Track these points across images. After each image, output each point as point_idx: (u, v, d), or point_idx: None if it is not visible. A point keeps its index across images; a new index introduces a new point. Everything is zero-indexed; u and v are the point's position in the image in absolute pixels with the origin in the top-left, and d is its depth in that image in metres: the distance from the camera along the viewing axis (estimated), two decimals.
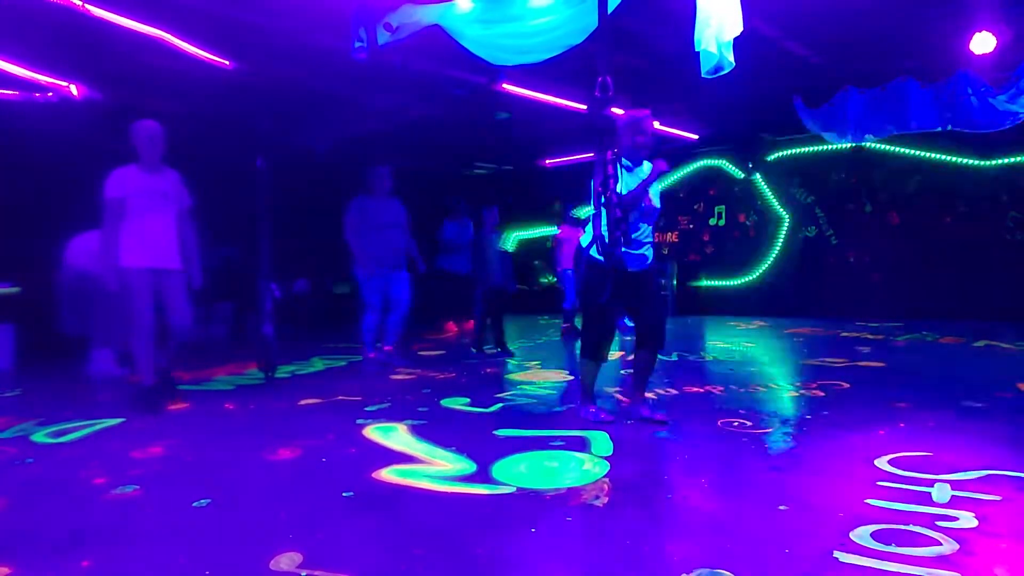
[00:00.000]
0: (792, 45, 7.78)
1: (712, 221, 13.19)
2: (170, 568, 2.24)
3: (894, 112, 8.58)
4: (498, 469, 3.25)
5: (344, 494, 2.92)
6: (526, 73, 7.68)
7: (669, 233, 13.46)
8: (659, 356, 4.44)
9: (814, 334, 9.17)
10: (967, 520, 2.47)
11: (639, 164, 4.14)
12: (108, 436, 4.11)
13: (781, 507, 2.66)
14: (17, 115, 7.96)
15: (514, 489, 2.96)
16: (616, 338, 4.41)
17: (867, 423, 4.00)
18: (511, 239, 14.53)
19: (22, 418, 4.55)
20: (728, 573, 2.09)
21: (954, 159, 10.60)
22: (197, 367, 6.37)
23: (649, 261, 4.16)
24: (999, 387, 5.07)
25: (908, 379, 5.61)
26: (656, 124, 4.19)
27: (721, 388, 5.31)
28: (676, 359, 6.93)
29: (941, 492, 2.77)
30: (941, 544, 2.27)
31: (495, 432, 4.01)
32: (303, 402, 5.04)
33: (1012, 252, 10.26)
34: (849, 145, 10.30)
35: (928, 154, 10.78)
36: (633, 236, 4.01)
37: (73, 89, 7.76)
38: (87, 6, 5.88)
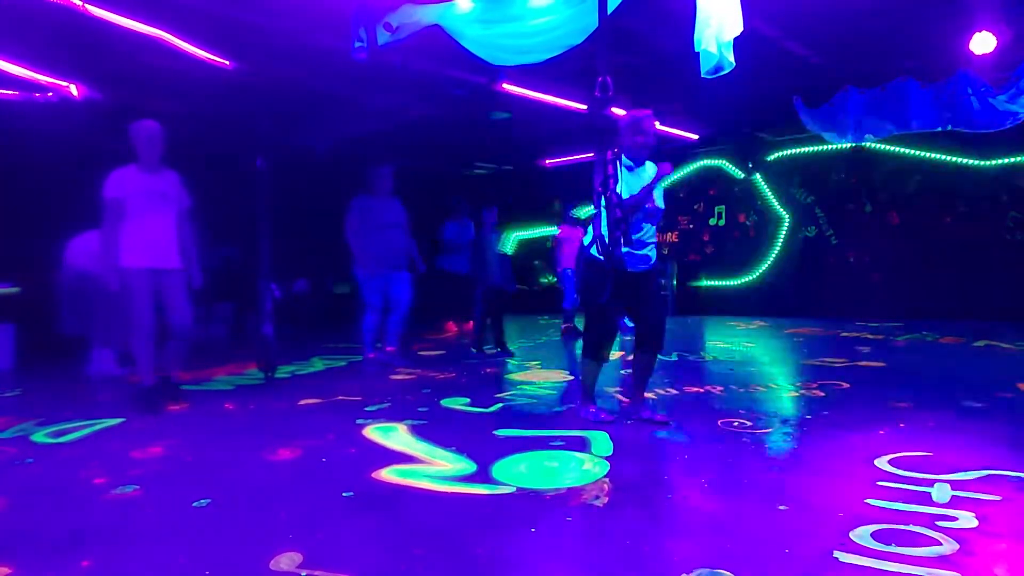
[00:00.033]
0: (792, 45, 7.79)
1: (712, 221, 13.19)
2: (170, 568, 2.24)
3: (894, 112, 8.58)
4: (498, 469, 3.25)
5: (344, 494, 2.92)
6: (526, 73, 7.68)
7: (669, 233, 13.46)
8: (659, 356, 4.43)
9: (814, 334, 9.17)
10: (967, 520, 2.47)
11: (641, 164, 4.13)
12: (108, 436, 4.11)
13: (781, 507, 2.66)
14: (17, 115, 7.97)
15: (514, 489, 2.96)
16: (616, 338, 4.40)
17: (867, 423, 4.00)
18: (511, 239, 14.53)
19: (22, 418, 4.55)
20: (728, 573, 2.09)
21: (954, 159, 10.60)
22: (197, 367, 6.36)
23: (652, 262, 4.16)
24: (999, 387, 5.07)
25: (908, 379, 5.61)
26: (657, 124, 4.17)
27: (721, 388, 5.31)
28: (676, 359, 6.93)
29: (941, 492, 2.76)
30: (941, 544, 2.27)
31: (495, 432, 4.01)
32: (303, 402, 5.04)
33: (1012, 252, 10.26)
34: (849, 145, 10.30)
35: (928, 154, 10.78)
36: (636, 237, 3.99)
37: (73, 89, 7.76)
38: (87, 6, 5.89)
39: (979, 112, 8.07)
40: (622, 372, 5.98)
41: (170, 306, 4.80)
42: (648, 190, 3.96)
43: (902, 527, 2.42)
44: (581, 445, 3.65)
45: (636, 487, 3.01)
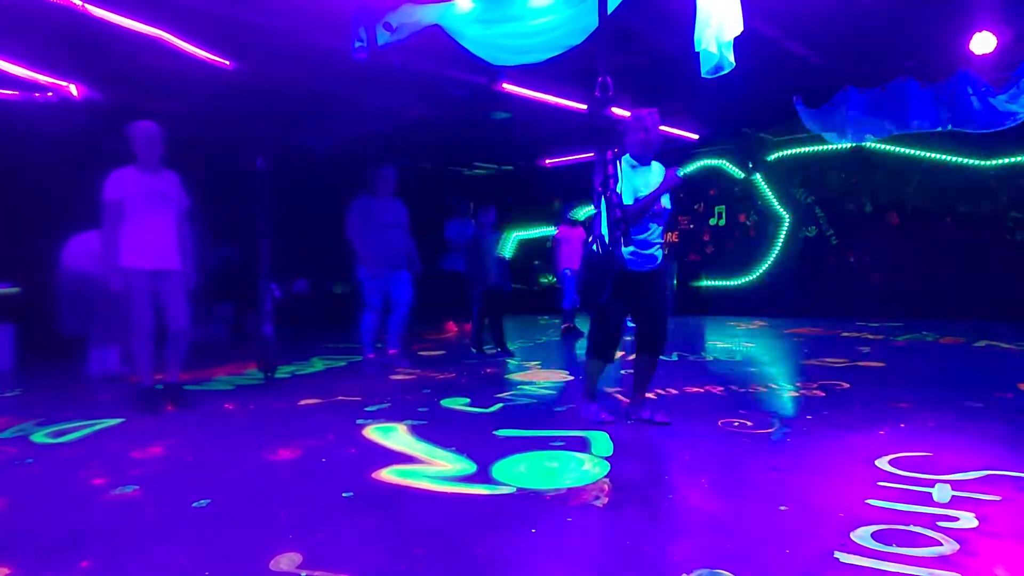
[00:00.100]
0: (792, 45, 7.79)
1: (712, 221, 13.20)
2: (170, 568, 2.24)
3: (894, 112, 8.59)
4: (498, 469, 3.25)
5: (344, 494, 2.92)
6: (526, 73, 7.68)
7: (669, 233, 13.45)
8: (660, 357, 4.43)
9: (814, 334, 9.17)
10: (967, 520, 2.47)
11: (647, 164, 4.10)
12: (108, 436, 4.11)
13: (781, 507, 2.66)
14: (17, 115, 7.97)
15: (514, 489, 2.96)
16: (621, 338, 4.38)
17: (867, 423, 3.99)
18: (510, 239, 14.56)
19: (22, 418, 4.55)
20: (728, 573, 2.09)
21: (954, 159, 10.60)
22: (197, 367, 6.36)
23: (658, 262, 4.13)
24: (999, 387, 5.07)
25: (908, 379, 5.61)
26: (660, 122, 4.15)
27: (721, 388, 5.31)
28: (676, 359, 6.93)
29: (941, 492, 2.76)
30: (942, 544, 2.27)
31: (495, 432, 4.00)
32: (303, 402, 5.04)
33: (1012, 252, 10.25)
34: (849, 145, 10.30)
35: (928, 154, 10.78)
36: (642, 237, 3.98)
37: (73, 89, 7.76)
38: (87, 6, 5.89)
39: (979, 112, 8.07)
40: (622, 372, 5.98)
41: (168, 307, 4.80)
42: (655, 196, 3.94)
43: (903, 527, 2.42)
44: (581, 445, 3.65)
45: (636, 487, 3.01)
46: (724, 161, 12.88)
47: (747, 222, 12.79)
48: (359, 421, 4.34)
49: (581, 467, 3.28)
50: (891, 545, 2.27)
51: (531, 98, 8.99)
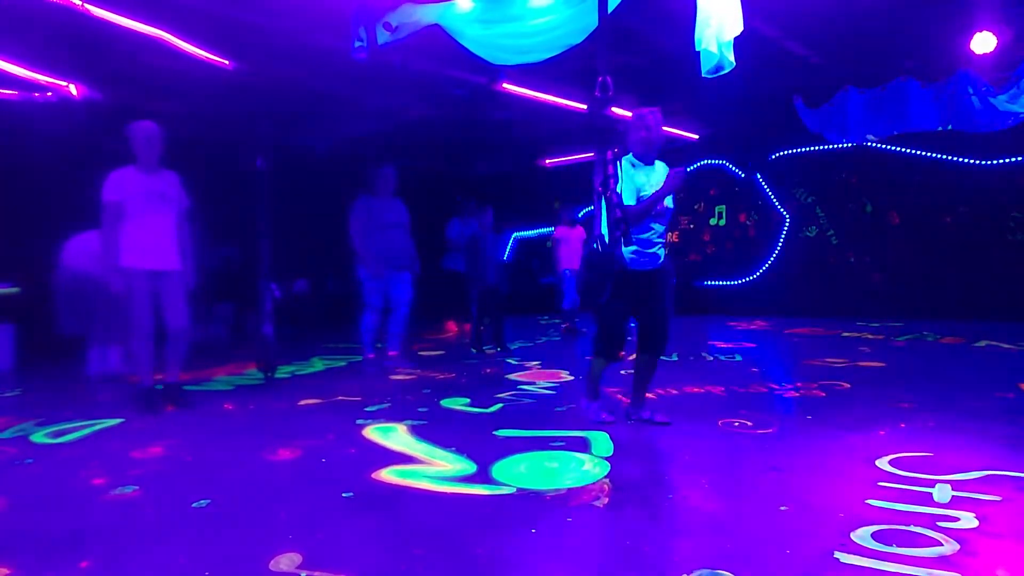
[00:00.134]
0: (792, 45, 7.80)
1: (712, 221, 13.20)
2: (170, 568, 2.23)
3: (894, 112, 8.59)
4: (498, 469, 3.25)
5: (344, 494, 2.92)
6: (526, 73, 7.69)
7: (669, 233, 13.43)
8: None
9: (814, 334, 9.17)
10: (968, 520, 2.47)
11: (650, 163, 4.09)
12: (108, 436, 4.10)
13: (782, 507, 2.66)
14: (17, 115, 7.97)
15: (514, 490, 2.96)
16: (627, 337, 4.35)
17: (868, 423, 3.99)
18: (510, 240, 14.57)
19: (22, 418, 4.55)
20: (728, 573, 2.09)
21: (954, 159, 10.60)
22: (197, 367, 6.36)
23: (660, 261, 4.12)
24: (1000, 387, 5.07)
25: (909, 379, 5.61)
26: (661, 121, 4.14)
27: (721, 388, 5.31)
28: (676, 359, 6.93)
29: (942, 492, 2.76)
30: (942, 544, 2.27)
31: (495, 432, 4.00)
32: (303, 402, 5.04)
33: (1013, 252, 10.25)
34: (849, 145, 10.30)
35: (928, 154, 10.78)
36: (644, 236, 3.97)
37: (72, 89, 7.77)
38: (87, 6, 5.89)
39: (980, 112, 8.07)
40: (623, 372, 5.97)
41: (168, 307, 4.80)
42: (659, 196, 3.93)
43: (903, 527, 2.41)
44: (581, 445, 3.65)
45: (636, 487, 3.01)
46: (724, 161, 12.87)
47: (747, 222, 12.79)
48: (359, 421, 4.34)
49: (581, 467, 3.27)
50: (891, 545, 2.26)
51: (531, 98, 8.99)
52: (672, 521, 2.69)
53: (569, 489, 2.93)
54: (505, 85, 8.50)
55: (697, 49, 4.58)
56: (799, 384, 5.48)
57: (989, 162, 10.38)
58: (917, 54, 8.15)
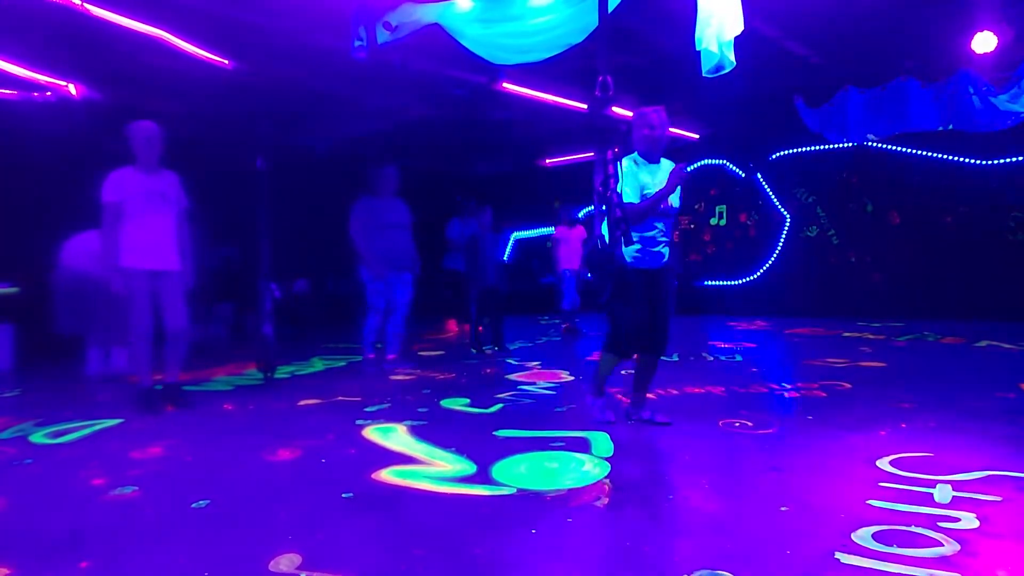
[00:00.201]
0: (792, 45, 7.80)
1: (713, 221, 13.20)
2: (170, 568, 2.23)
3: (894, 112, 8.58)
4: (498, 470, 3.24)
5: (344, 495, 2.91)
6: (526, 73, 7.69)
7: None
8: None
9: (815, 334, 9.16)
10: (969, 521, 2.46)
11: (655, 161, 4.06)
12: (107, 436, 4.10)
13: (782, 508, 2.66)
14: (17, 115, 7.97)
15: (514, 490, 2.95)
16: (638, 335, 4.32)
17: (868, 423, 3.99)
18: (510, 240, 14.57)
19: (21, 418, 4.55)
20: (729, 574, 2.08)
21: (955, 159, 10.59)
22: (197, 367, 6.36)
23: (664, 260, 4.10)
24: (1000, 387, 5.06)
25: (909, 379, 5.61)
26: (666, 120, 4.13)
27: (722, 388, 5.30)
28: (677, 359, 6.93)
29: (942, 493, 2.76)
30: (943, 545, 2.26)
31: (495, 433, 4.00)
32: (303, 402, 5.04)
33: (1013, 252, 10.25)
34: (850, 145, 10.29)
35: (929, 154, 10.78)
36: (648, 235, 3.96)
37: (72, 89, 7.77)
38: (87, 6, 5.89)
39: (980, 112, 8.07)
40: (623, 372, 5.97)
41: (167, 307, 4.79)
42: (662, 195, 3.91)
43: (903, 528, 2.41)
44: (581, 446, 3.64)
45: (637, 488, 3.00)
46: (725, 161, 12.87)
47: (748, 222, 12.78)
48: (359, 421, 4.33)
49: (581, 468, 3.27)
50: (892, 546, 2.26)
51: (531, 98, 8.99)
52: (672, 521, 2.68)
53: (569, 489, 2.93)
54: (505, 85, 8.50)
55: (697, 49, 4.58)
56: (800, 384, 5.48)
57: (990, 162, 10.37)
58: (917, 54, 8.15)
